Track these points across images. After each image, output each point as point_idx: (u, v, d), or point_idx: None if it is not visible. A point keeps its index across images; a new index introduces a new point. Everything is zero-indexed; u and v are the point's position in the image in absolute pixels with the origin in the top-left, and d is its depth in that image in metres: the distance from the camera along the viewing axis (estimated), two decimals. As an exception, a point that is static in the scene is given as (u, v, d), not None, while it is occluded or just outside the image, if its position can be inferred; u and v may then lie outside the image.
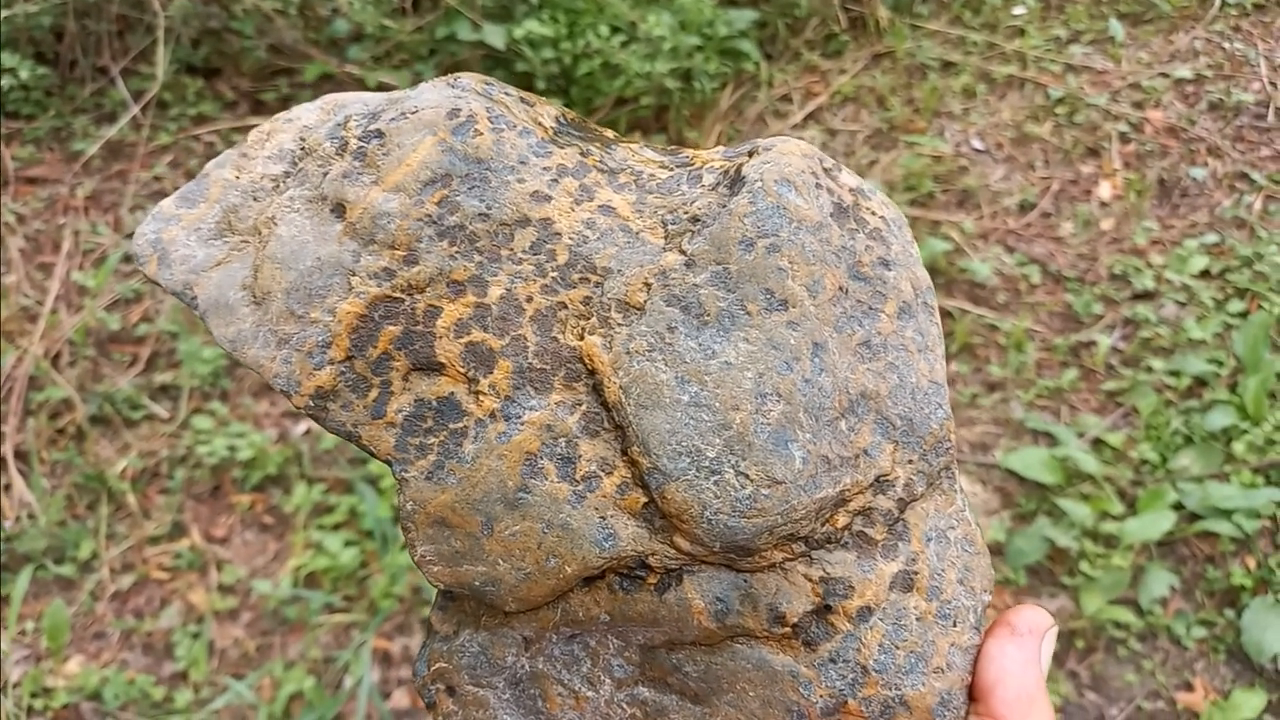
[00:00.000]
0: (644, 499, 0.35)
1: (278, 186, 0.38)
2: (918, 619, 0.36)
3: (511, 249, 0.36)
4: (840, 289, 0.36)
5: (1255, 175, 1.95)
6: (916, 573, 0.36)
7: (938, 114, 2.16)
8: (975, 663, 0.36)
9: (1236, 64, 2.18)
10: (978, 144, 2.09)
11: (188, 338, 1.71)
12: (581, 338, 0.35)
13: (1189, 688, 1.35)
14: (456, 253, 0.36)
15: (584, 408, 0.35)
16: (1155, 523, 1.44)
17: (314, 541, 1.48)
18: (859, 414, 0.36)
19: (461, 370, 0.35)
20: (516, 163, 0.37)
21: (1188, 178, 1.98)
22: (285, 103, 2.15)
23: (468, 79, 0.38)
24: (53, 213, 1.96)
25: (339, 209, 0.36)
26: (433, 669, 0.37)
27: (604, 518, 0.34)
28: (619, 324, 0.35)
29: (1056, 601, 1.43)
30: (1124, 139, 2.07)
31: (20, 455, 1.59)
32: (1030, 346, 1.73)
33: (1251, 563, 1.43)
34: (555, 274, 0.36)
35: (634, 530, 0.34)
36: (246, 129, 2.11)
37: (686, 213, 0.37)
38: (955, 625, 0.36)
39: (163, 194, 2.00)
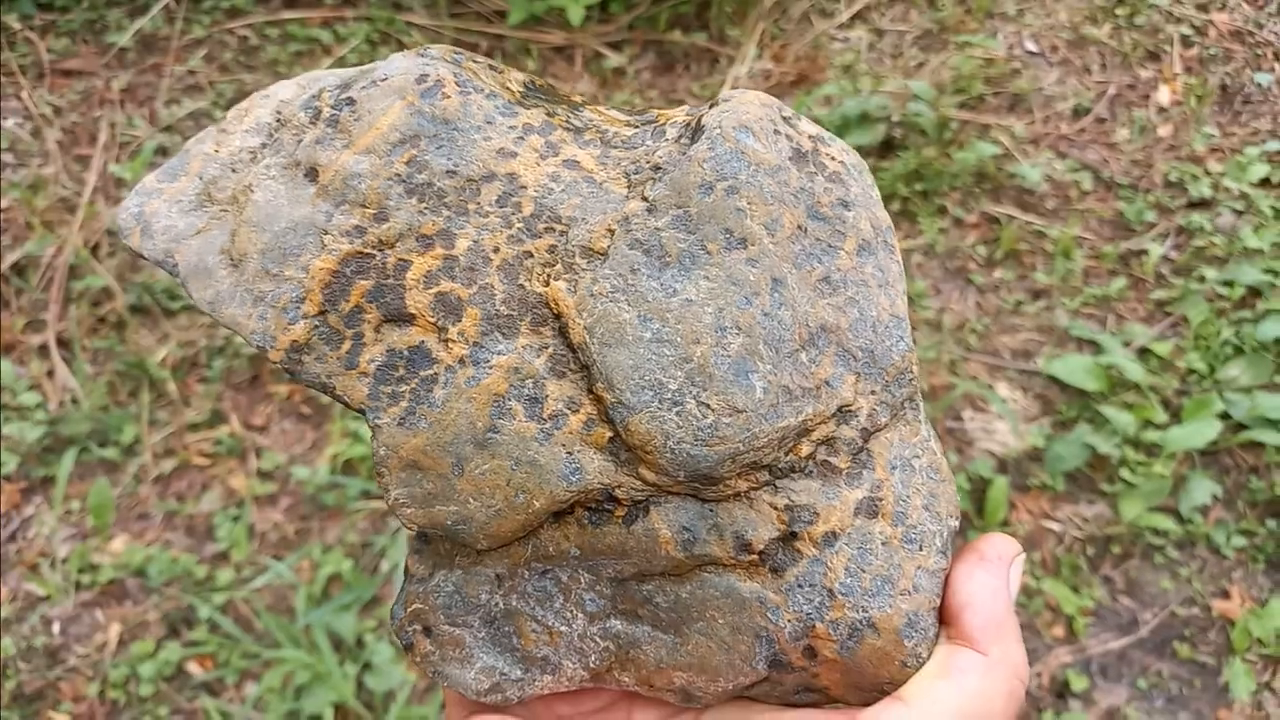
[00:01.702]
0: (609, 434, 0.36)
1: (255, 158, 0.39)
2: (883, 544, 0.37)
3: (478, 203, 0.37)
4: (799, 228, 0.37)
5: (1324, 81, 1.86)
6: (881, 499, 0.37)
7: (990, 14, 2.08)
8: (944, 587, 0.37)
9: (1310, -35, 2.07)
10: (1032, 46, 2.02)
11: (225, 230, 1.70)
12: (548, 284, 0.36)
13: (1225, 595, 1.34)
14: (425, 208, 0.37)
15: (550, 350, 0.36)
16: (1200, 431, 1.41)
17: (351, 430, 1.49)
18: (820, 346, 0.37)
19: (431, 320, 0.36)
20: (483, 122, 0.38)
21: (1251, 83, 1.89)
22: (320, -4, 2.11)
23: (436, 49, 0.39)
24: (89, 105, 1.95)
25: (312, 173, 0.37)
26: (409, 610, 0.38)
27: (570, 453, 0.35)
28: (584, 269, 0.36)
29: (1095, 508, 1.42)
30: (1186, 42, 1.98)
31: (63, 343, 1.61)
32: (1078, 254, 1.69)
33: (1297, 474, 1.41)
34: (521, 225, 0.37)
35: (600, 464, 0.35)
36: (280, 23, 2.08)
37: (649, 162, 0.38)
38: (921, 549, 0.37)
39: (197, 89, 1.98)
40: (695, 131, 0.38)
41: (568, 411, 0.36)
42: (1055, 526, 1.41)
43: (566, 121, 0.40)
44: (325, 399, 1.54)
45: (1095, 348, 1.57)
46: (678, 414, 0.35)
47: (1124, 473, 1.42)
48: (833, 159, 0.40)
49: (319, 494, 1.44)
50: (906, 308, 0.39)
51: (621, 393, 0.35)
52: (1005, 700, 0.34)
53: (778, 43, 2.06)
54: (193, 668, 1.30)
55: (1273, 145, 1.78)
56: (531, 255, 0.37)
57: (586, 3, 1.97)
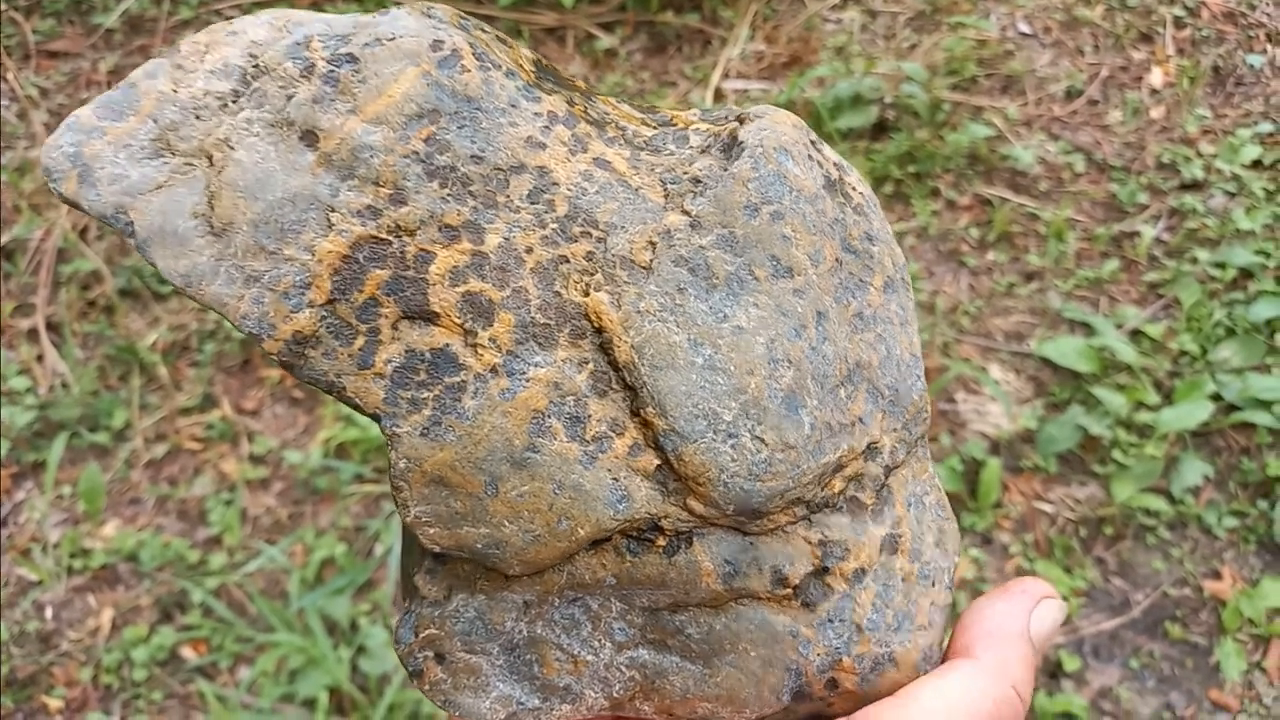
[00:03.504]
0: (657, 461, 0.34)
1: (225, 105, 0.34)
2: (903, 580, 0.37)
3: (508, 196, 0.34)
4: (837, 260, 0.37)
5: (1316, 63, 1.86)
6: (901, 535, 0.37)
7: (984, -4, 2.07)
8: (959, 619, 0.37)
9: (1303, -54, 2.06)
10: (1025, 27, 2.01)
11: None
12: (586, 294, 0.34)
13: (1217, 576, 1.35)
14: (449, 195, 0.33)
15: (591, 366, 0.34)
16: (1192, 413, 1.41)
17: (343, 415, 1.48)
18: (854, 383, 0.36)
19: (458, 321, 0.33)
20: (507, 105, 0.35)
21: (1244, 65, 1.89)
22: (308, -24, 2.09)
23: (442, 10, 0.36)
24: (75, 87, 1.93)
25: (309, 137, 0.33)
26: (421, 636, 0.35)
27: (616, 479, 0.34)
28: (625, 282, 0.34)
29: (1087, 489, 1.42)
30: (1179, 24, 1.98)
31: (52, 327, 1.59)
32: (1071, 236, 1.69)
33: (1288, 455, 1.41)
34: (555, 225, 0.34)
35: (647, 492, 0.34)
36: (268, 2, 2.06)
37: (686, 173, 0.36)
38: (934, 585, 0.38)
39: (186, 70, 1.96)
40: (731, 146, 0.36)
41: (612, 434, 0.34)
42: (1048, 508, 1.41)
43: (585, 113, 0.37)
44: (317, 383, 1.53)
45: (1088, 330, 1.57)
46: (733, 447, 0.34)
47: (1116, 454, 1.42)
48: (855, 189, 0.39)
49: (312, 478, 1.44)
50: (920, 346, 0.40)
51: (675, 420, 0.33)
52: (996, 705, 0.34)
53: (770, 24, 2.05)
54: (186, 652, 1.30)
55: (1265, 127, 1.78)
56: (568, 260, 0.34)
57: (578, -17, 1.96)
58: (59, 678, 1.27)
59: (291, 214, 0.33)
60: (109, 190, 0.33)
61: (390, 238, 0.33)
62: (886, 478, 0.38)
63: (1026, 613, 0.36)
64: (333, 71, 0.34)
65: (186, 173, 0.33)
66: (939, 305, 1.62)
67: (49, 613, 1.33)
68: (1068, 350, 1.52)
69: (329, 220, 0.33)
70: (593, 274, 0.34)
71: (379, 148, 0.33)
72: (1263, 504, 1.39)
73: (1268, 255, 1.60)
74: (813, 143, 0.38)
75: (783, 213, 0.35)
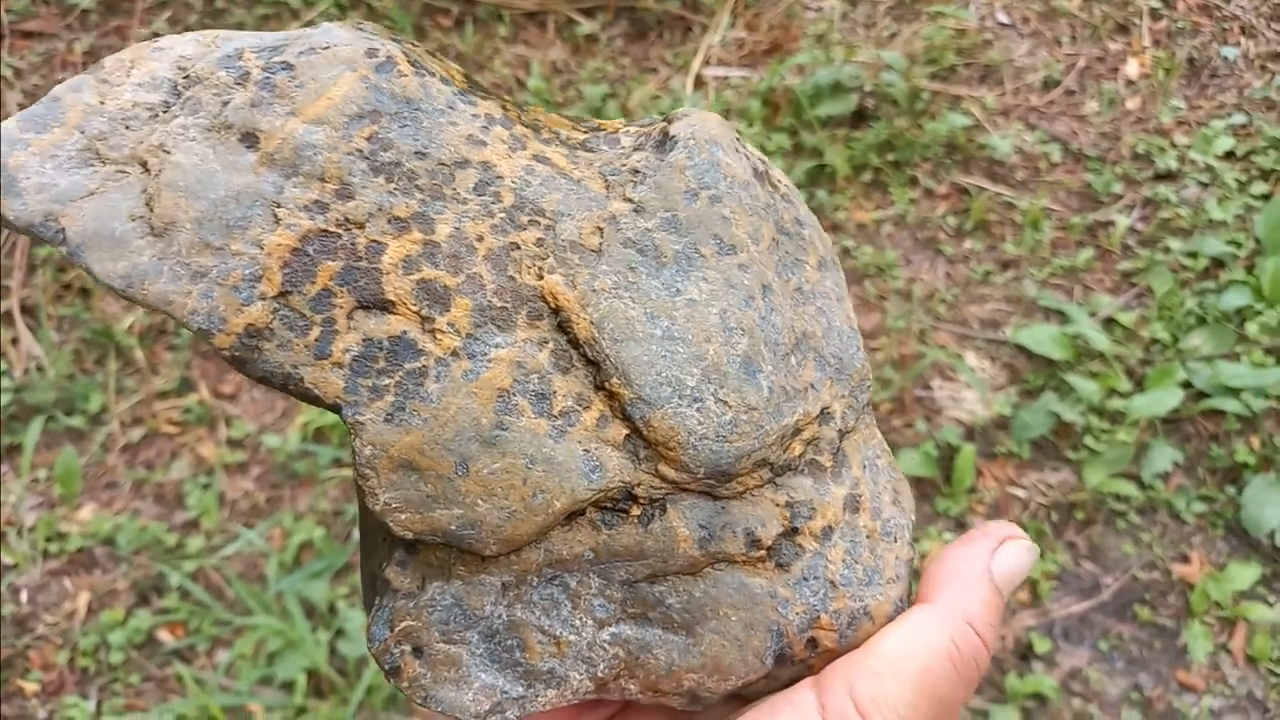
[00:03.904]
0: (625, 430, 0.35)
1: (155, 115, 0.35)
2: (867, 536, 0.38)
3: (454, 189, 0.35)
4: (774, 239, 0.38)
5: (1289, 55, 1.89)
6: (860, 495, 0.39)
7: (963, -14, 2.08)
8: (924, 569, 0.39)
9: (1278, -61, 2.09)
10: (1003, 17, 2.02)
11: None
12: (540, 277, 0.35)
13: (1185, 560, 1.37)
14: (395, 189, 0.34)
15: (551, 345, 0.35)
16: (1162, 399, 1.44)
17: (322, 399, 1.48)
18: (803, 351, 0.38)
19: (414, 308, 0.34)
20: (445, 106, 0.36)
21: (1218, 57, 1.91)
22: (287, -42, 2.07)
23: (371, 26, 0.37)
24: (50, 68, 1.91)
25: (250, 138, 0.34)
26: (397, 630, 0.34)
27: (588, 450, 0.34)
28: (577, 264, 0.35)
29: (1059, 474, 1.44)
30: (1155, 15, 2.00)
31: (27, 310, 1.58)
32: (1046, 225, 1.71)
33: (1256, 441, 1.44)
34: (503, 215, 0.35)
35: (619, 461, 0.34)
36: (247, -15, 2.04)
37: (624, 165, 0.37)
38: (896, 541, 0.39)
39: (162, 52, 1.94)
40: (663, 141, 0.38)
41: (579, 408, 0.34)
42: (1021, 493, 1.43)
43: (519, 118, 0.38)
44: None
45: (1062, 318, 1.59)
46: (699, 410, 0.35)
47: (1088, 440, 1.44)
48: (780, 181, 0.41)
49: (290, 462, 1.44)
50: (855, 321, 0.41)
51: (641, 388, 0.34)
52: (953, 641, 0.34)
53: (751, 11, 2.05)
54: (163, 635, 1.30)
55: (1238, 119, 1.80)
56: (519, 247, 0.35)
57: (559, -31, 1.95)
58: (35, 661, 1.27)
59: (236, 210, 0.33)
60: (35, 199, 0.32)
61: (339, 230, 0.33)
62: (841, 441, 0.39)
63: (987, 554, 0.37)
64: (269, 78, 0.34)
65: (119, 179, 0.33)
66: (916, 293, 1.63)
67: (24, 596, 1.32)
68: (1042, 338, 1.53)
69: (275, 215, 0.33)
70: (544, 258, 0.35)
71: (322, 146, 0.34)
72: (1230, 489, 1.41)
73: (1239, 245, 1.62)
74: (738, 138, 0.40)
75: (720, 196, 0.37)
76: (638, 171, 0.37)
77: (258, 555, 1.35)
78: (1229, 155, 1.76)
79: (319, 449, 1.43)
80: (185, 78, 0.35)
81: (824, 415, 0.38)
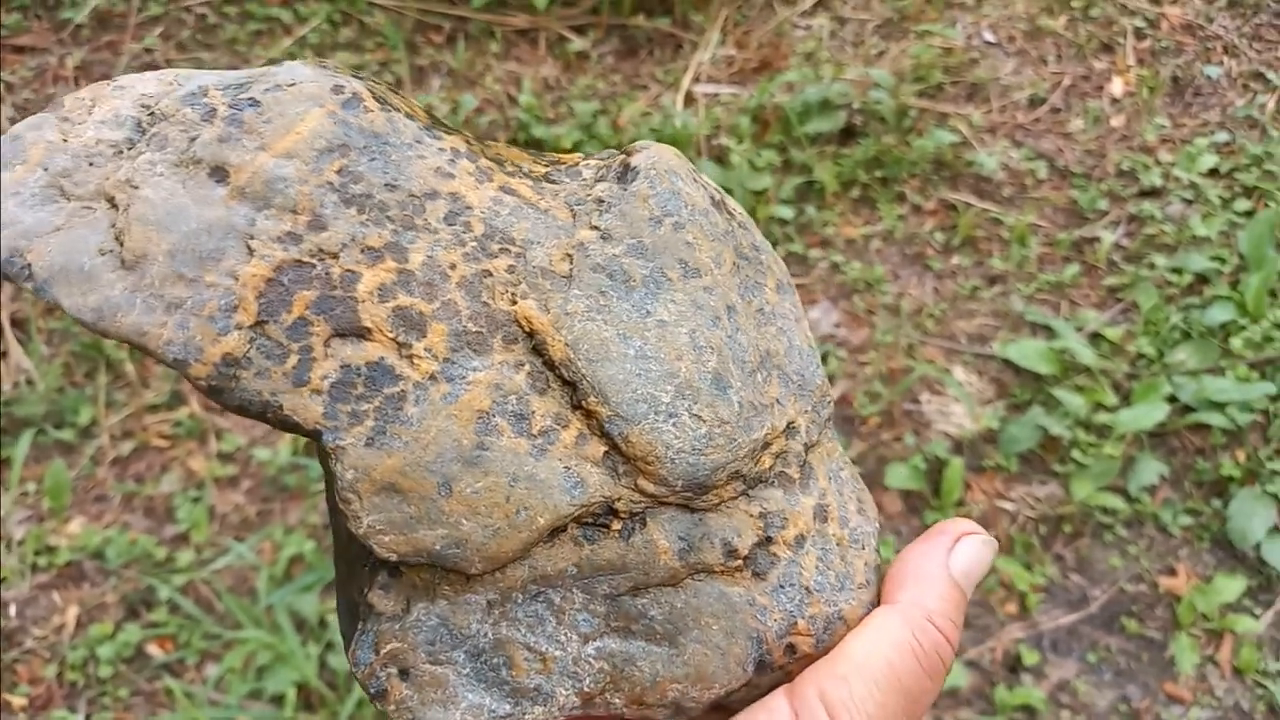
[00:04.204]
0: (604, 447, 0.36)
1: (120, 152, 0.35)
2: (837, 544, 0.39)
3: (425, 219, 0.35)
4: (734, 264, 0.40)
5: (1270, 75, 1.91)
6: (828, 505, 0.40)
7: (950, 4, 2.11)
8: (886, 571, 0.40)
9: (1259, -39, 2.12)
10: (990, 36, 2.05)
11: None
12: (514, 302, 0.36)
13: (1172, 572, 1.38)
14: (367, 220, 0.35)
15: (527, 367, 0.35)
16: (1148, 413, 1.45)
17: (313, 413, 1.48)
18: (767, 369, 0.39)
19: (390, 335, 0.34)
20: (412, 140, 0.36)
21: (1202, 76, 1.94)
22: (280, -25, 2.08)
23: (333, 64, 0.38)
24: (42, 82, 1.92)
25: (219, 172, 0.34)
26: (383, 652, 0.34)
27: (568, 467, 0.35)
28: (549, 290, 0.36)
29: (1047, 488, 1.45)
30: (1139, 35, 2.02)
31: (17, 323, 1.58)
32: (1033, 241, 1.72)
33: (1241, 455, 1.45)
34: (474, 244, 0.36)
35: (599, 477, 0.35)
36: (240, 1, 2.05)
37: (589, 195, 0.39)
38: (864, 548, 0.40)
39: (154, 67, 1.95)
40: (625, 172, 0.39)
41: (557, 427, 0.35)
42: (1009, 506, 1.44)
43: (483, 152, 0.39)
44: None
45: (1049, 332, 1.60)
46: (674, 425, 0.36)
47: (1075, 454, 1.45)
48: (736, 211, 0.43)
49: (280, 475, 1.44)
50: (814, 340, 0.43)
51: (618, 406, 0.35)
52: (915, 636, 0.36)
53: (741, 29, 2.08)
54: (152, 649, 1.29)
55: (1221, 136, 1.83)
56: (491, 274, 0.36)
57: (550, -14, 1.97)
58: (23, 675, 1.26)
59: (209, 242, 0.33)
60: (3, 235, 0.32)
61: (314, 261, 0.34)
62: (806, 454, 0.40)
63: (944, 550, 0.38)
64: (236, 114, 0.35)
65: (85, 215, 0.33)
66: (904, 308, 1.65)
67: (13, 610, 1.32)
68: (1029, 352, 1.55)
69: (249, 247, 0.33)
70: (517, 284, 0.36)
71: (293, 179, 0.34)
72: (1216, 503, 1.42)
73: (1222, 261, 1.64)
74: (693, 170, 0.42)
75: (683, 223, 0.38)
76: (602, 201, 0.38)
77: (248, 569, 1.35)
78: (1213, 172, 1.78)
79: (309, 462, 1.43)
80: (150, 115, 0.35)
81: (790, 429, 0.39)
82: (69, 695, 1.25)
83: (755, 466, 0.38)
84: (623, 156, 0.40)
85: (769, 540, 0.38)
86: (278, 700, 1.23)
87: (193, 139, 0.34)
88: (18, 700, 1.24)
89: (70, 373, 1.54)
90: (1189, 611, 1.32)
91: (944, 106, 1.92)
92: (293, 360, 0.33)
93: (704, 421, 0.36)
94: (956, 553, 0.38)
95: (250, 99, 0.35)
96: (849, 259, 1.72)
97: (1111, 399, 1.50)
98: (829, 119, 1.84)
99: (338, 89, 0.36)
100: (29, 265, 0.32)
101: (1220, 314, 1.56)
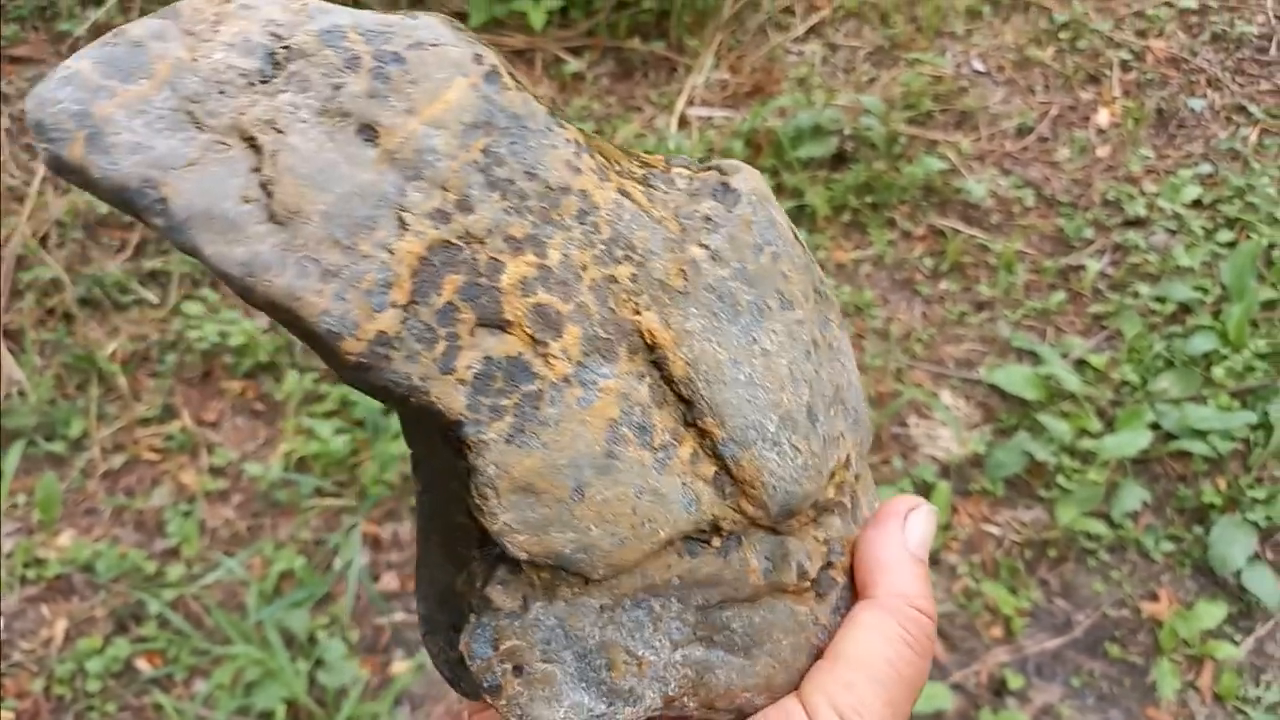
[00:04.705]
0: (714, 468, 0.37)
1: (253, 84, 0.31)
2: None
3: (560, 214, 0.35)
4: (814, 298, 0.41)
5: (1253, 108, 1.95)
6: None
7: (940, 33, 2.14)
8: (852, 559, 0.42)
9: (1242, -3, 2.17)
10: (979, 65, 2.08)
11: (178, 224, 1.69)
12: (638, 313, 0.36)
13: (1154, 598, 1.40)
14: (509, 208, 0.33)
15: (648, 380, 0.36)
16: (1132, 440, 1.47)
17: (305, 428, 1.49)
18: (837, 402, 0.41)
19: (529, 331, 0.33)
20: (544, 128, 0.35)
21: (1186, 108, 1.98)
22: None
23: (456, 24, 0.36)
24: (38, 93, 1.92)
25: (368, 131, 0.32)
26: (503, 648, 0.35)
27: (685, 484, 0.36)
28: (668, 304, 0.36)
29: (1032, 513, 1.47)
30: (1125, 67, 2.06)
31: (10, 334, 1.58)
32: (1020, 268, 1.75)
33: (1222, 483, 1.48)
34: (603, 247, 0.35)
35: (710, 496, 0.36)
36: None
37: (697, 211, 0.39)
38: None
39: (151, 80, 1.96)
40: (725, 191, 0.40)
41: (675, 442, 0.36)
42: (995, 530, 1.46)
43: (592, 145, 0.38)
44: (278, 396, 1.53)
45: (1035, 358, 1.63)
46: (777, 454, 0.37)
47: (1060, 479, 1.47)
48: (804, 242, 0.44)
49: (271, 490, 1.44)
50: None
51: (733, 430, 0.36)
52: (904, 628, 0.38)
53: (734, 53, 2.10)
54: (141, 664, 1.29)
55: (1204, 168, 1.86)
56: (616, 281, 0.36)
57: (548, 7, 1.99)
58: (10, 689, 1.26)
59: (362, 209, 0.31)
60: (129, 161, 0.29)
61: (461, 243, 0.32)
62: (854, 484, 0.42)
63: (900, 532, 0.41)
64: (381, 68, 0.32)
65: (221, 152, 0.30)
66: (893, 332, 1.67)
67: (1, 623, 1.31)
68: (1016, 378, 1.57)
69: (401, 219, 0.32)
70: (639, 295, 0.36)
71: (442, 152, 0.32)
72: (1198, 529, 1.45)
73: (1205, 291, 1.67)
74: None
75: (779, 254, 0.39)
76: (710, 220, 0.38)
77: (238, 584, 1.35)
78: (1196, 203, 1.82)
79: (301, 478, 1.43)
80: (285, 47, 0.32)
81: (847, 461, 0.41)
82: (56, 710, 1.25)
83: (823, 496, 0.40)
84: (716, 173, 0.40)
85: (830, 565, 0.40)
86: (266, 717, 1.23)
87: (337, 87, 0.32)
88: (4, 714, 1.23)
89: (62, 384, 1.54)
90: (1171, 637, 1.34)
91: (934, 134, 1.95)
92: (441, 346, 0.32)
93: (800, 453, 0.37)
94: (910, 530, 0.41)
95: (394, 54, 0.32)
96: (840, 283, 1.74)
97: (1096, 425, 1.52)
98: (821, 144, 1.87)
99: (478, 58, 0.34)
100: (165, 200, 0.29)
101: (1203, 343, 1.58)
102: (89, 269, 1.66)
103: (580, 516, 0.34)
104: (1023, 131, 1.97)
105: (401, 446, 1.44)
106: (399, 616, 1.35)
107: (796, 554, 0.39)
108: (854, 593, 0.41)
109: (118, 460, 1.47)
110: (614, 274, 0.36)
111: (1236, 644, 1.34)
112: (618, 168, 0.38)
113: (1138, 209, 1.81)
